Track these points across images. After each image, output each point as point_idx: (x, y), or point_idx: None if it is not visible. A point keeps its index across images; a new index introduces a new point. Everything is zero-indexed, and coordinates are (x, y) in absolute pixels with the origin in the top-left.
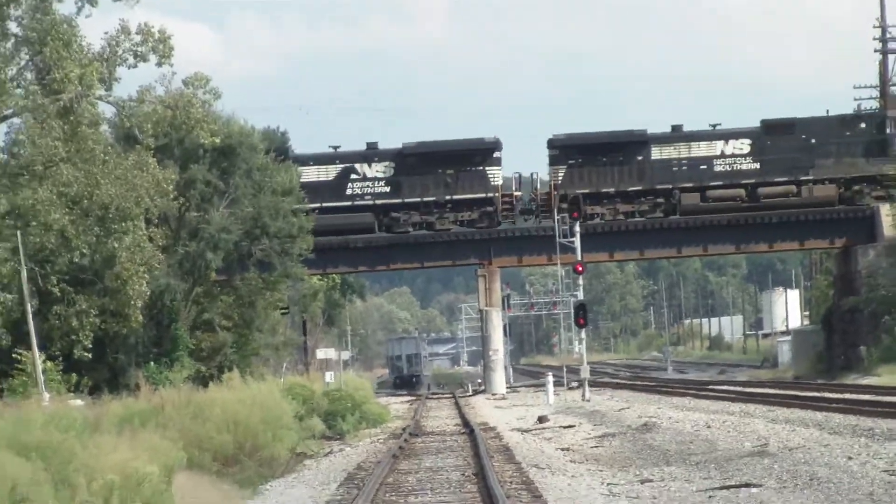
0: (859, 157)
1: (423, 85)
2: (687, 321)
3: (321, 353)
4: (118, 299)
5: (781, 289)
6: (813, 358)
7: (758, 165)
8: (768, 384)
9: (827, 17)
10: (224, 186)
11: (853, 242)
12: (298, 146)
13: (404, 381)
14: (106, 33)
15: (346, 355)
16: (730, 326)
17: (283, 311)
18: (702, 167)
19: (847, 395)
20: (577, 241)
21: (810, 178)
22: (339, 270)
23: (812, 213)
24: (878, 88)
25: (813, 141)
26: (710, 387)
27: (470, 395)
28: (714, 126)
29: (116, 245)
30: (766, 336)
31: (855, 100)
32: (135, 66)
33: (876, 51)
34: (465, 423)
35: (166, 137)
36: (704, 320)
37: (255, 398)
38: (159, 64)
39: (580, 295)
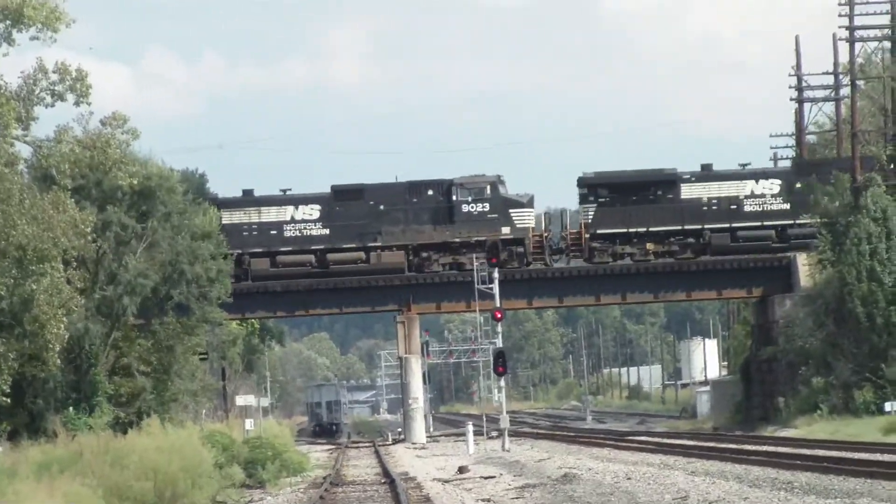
0: (426, 223)
1: (341, 124)
2: (606, 370)
3: (240, 400)
4: (36, 342)
5: (700, 338)
6: (731, 408)
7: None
8: (687, 435)
9: (746, 63)
10: (141, 230)
11: (770, 292)
12: (217, 188)
13: (324, 429)
14: (23, 72)
15: (265, 402)
16: (648, 376)
17: (201, 356)
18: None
19: (766, 447)
20: (495, 287)
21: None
22: (258, 315)
23: (729, 262)
24: (795, 137)
25: (381, 207)
26: (630, 437)
27: (390, 444)
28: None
29: (34, 287)
30: (684, 386)
31: (771, 148)
32: (52, 106)
33: (792, 99)
34: (386, 472)
35: (84, 178)
36: (623, 369)
37: (174, 445)
38: (77, 103)
39: (499, 342)
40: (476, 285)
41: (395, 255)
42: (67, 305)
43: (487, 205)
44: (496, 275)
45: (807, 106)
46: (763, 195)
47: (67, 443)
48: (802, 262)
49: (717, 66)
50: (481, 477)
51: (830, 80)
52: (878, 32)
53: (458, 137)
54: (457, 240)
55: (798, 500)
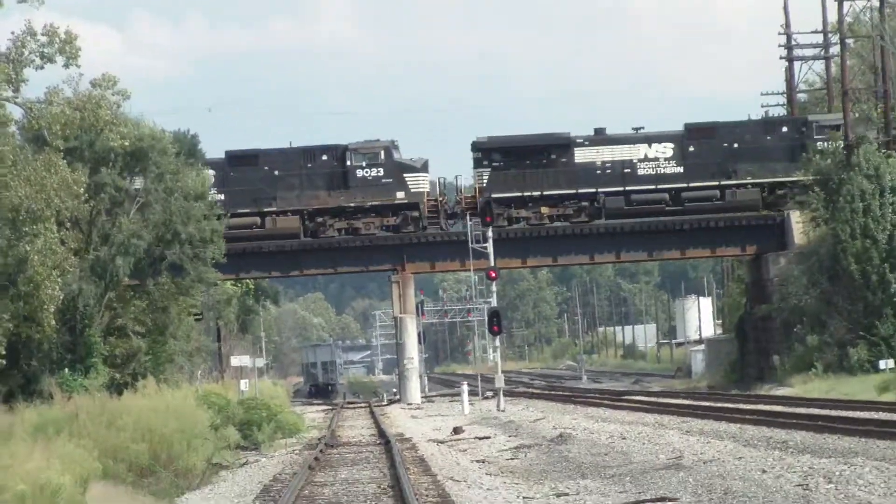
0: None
1: (334, 85)
2: (601, 329)
3: (236, 361)
4: (31, 304)
5: (694, 297)
6: (726, 367)
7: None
8: (682, 394)
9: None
10: (134, 191)
11: (764, 250)
12: (208, 148)
13: (320, 390)
14: (12, 34)
15: (260, 363)
16: (643, 335)
17: (196, 317)
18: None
19: (760, 406)
20: (489, 246)
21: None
22: (253, 276)
23: (724, 220)
24: (785, 95)
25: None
26: (625, 397)
27: (385, 405)
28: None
29: (28, 248)
30: (679, 345)
31: (762, 106)
32: (41, 68)
33: (781, 58)
34: (381, 433)
35: (76, 140)
36: (618, 328)
37: (169, 406)
38: (66, 65)
39: (494, 302)
40: (470, 244)
41: (289, 220)
42: (61, 266)
43: (381, 170)
44: (490, 234)
45: (797, 64)
46: (656, 158)
47: (63, 404)
48: (796, 219)
49: (706, 29)
50: (476, 437)
51: (820, 38)
52: None
53: (443, 99)
54: (351, 205)
55: (793, 459)
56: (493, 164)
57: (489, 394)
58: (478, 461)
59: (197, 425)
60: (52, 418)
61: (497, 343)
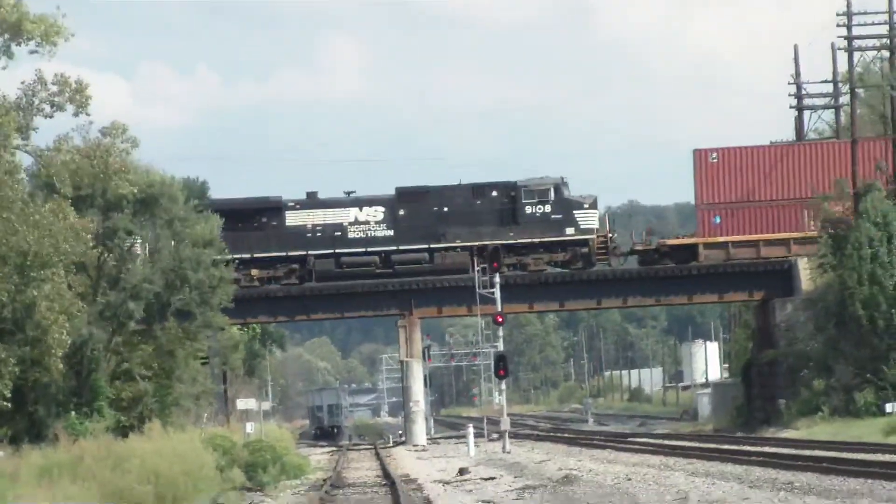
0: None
1: (343, 135)
2: (607, 373)
3: (241, 404)
4: (39, 348)
5: (701, 341)
6: (732, 410)
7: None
8: (688, 437)
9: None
10: (145, 237)
11: (771, 295)
12: (217, 196)
13: (325, 432)
14: (23, 83)
15: (266, 406)
16: (650, 378)
17: (203, 361)
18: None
19: (766, 448)
20: (496, 292)
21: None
22: (259, 320)
23: (730, 267)
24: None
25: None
26: (631, 439)
27: (391, 447)
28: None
29: (36, 293)
30: (685, 388)
31: None
32: (51, 116)
33: (791, 107)
34: (387, 474)
35: (89, 188)
36: (624, 372)
37: (175, 449)
38: (76, 114)
39: (500, 346)
40: (477, 289)
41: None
42: (69, 311)
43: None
44: (497, 279)
45: (806, 114)
46: (367, 222)
47: (69, 447)
48: (803, 265)
49: (715, 79)
50: (482, 478)
51: (830, 88)
52: (876, 42)
53: (455, 151)
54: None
55: (798, 500)
56: None
57: (495, 435)
58: (483, 501)
59: (202, 467)
60: (57, 461)
61: (503, 386)
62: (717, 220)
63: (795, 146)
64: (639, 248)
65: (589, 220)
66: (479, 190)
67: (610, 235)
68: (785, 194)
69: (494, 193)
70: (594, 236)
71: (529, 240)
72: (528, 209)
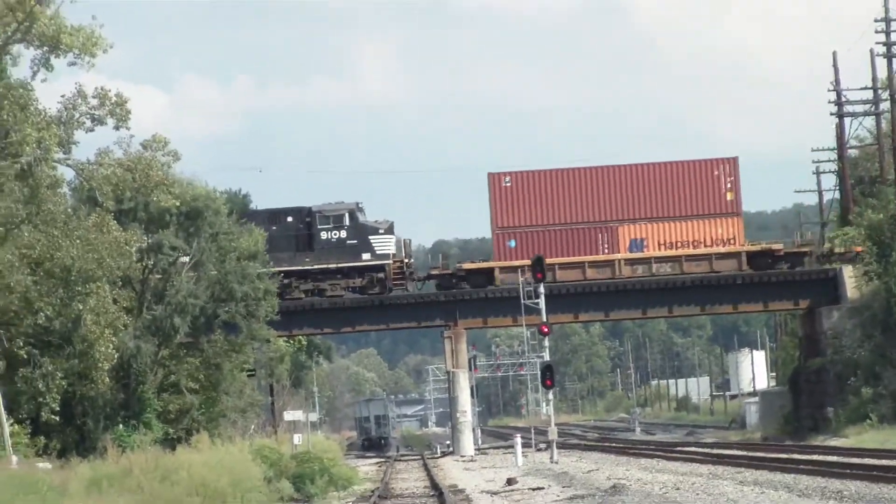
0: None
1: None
2: (654, 382)
3: (288, 415)
4: (85, 362)
5: (747, 350)
6: (781, 419)
7: None
8: (736, 445)
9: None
10: (190, 250)
11: (817, 304)
12: (260, 205)
13: (373, 443)
14: (63, 97)
15: (313, 417)
16: (696, 388)
17: (249, 373)
18: None
19: (815, 457)
20: (541, 302)
21: None
22: (305, 332)
23: (776, 276)
24: (836, 151)
25: None
26: (678, 448)
27: (438, 457)
28: None
29: (81, 307)
30: (733, 397)
31: (813, 162)
32: (92, 130)
33: (832, 114)
34: (434, 485)
35: (132, 201)
36: (671, 381)
37: (222, 461)
38: (117, 127)
39: (546, 356)
40: (522, 300)
41: None
42: (114, 325)
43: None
44: (542, 290)
45: (847, 120)
46: None
47: (117, 459)
48: (849, 273)
49: (749, 79)
50: (530, 488)
51: (870, 94)
52: None
53: (489, 155)
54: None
55: None
56: None
57: (542, 445)
58: None
59: (250, 479)
60: (105, 473)
61: (550, 396)
62: (513, 244)
63: (589, 170)
64: (435, 272)
65: (385, 245)
66: (275, 216)
67: (406, 261)
68: (579, 217)
69: (290, 219)
70: (390, 262)
71: (325, 265)
72: (324, 235)
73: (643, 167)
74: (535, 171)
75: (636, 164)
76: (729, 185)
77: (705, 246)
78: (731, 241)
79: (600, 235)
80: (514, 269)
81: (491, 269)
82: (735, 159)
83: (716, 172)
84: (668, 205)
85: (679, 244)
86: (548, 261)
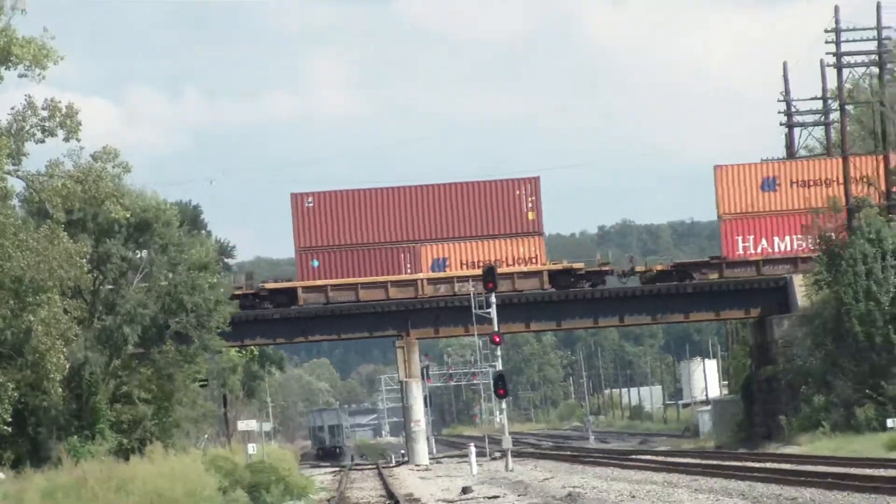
0: None
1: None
2: (606, 391)
3: (242, 425)
4: (37, 372)
5: (699, 358)
6: (734, 427)
7: None
8: (690, 454)
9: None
10: (139, 261)
11: (767, 313)
12: (210, 219)
13: (327, 453)
14: (13, 108)
15: (267, 427)
16: (649, 396)
17: (202, 383)
18: None
19: (769, 465)
20: (493, 311)
21: None
22: (257, 342)
23: (727, 284)
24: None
25: None
26: (633, 456)
27: (393, 466)
28: None
29: (32, 318)
30: (685, 406)
31: None
32: (42, 141)
33: (782, 124)
34: (390, 494)
35: (80, 212)
36: (624, 390)
37: (176, 471)
38: (67, 139)
39: (499, 365)
40: (474, 310)
41: None
42: (66, 335)
43: None
44: (493, 299)
45: (797, 130)
46: None
47: (71, 470)
48: (798, 282)
49: (703, 93)
50: (486, 497)
51: (820, 105)
52: (864, 58)
53: (443, 168)
54: None
55: None
56: None
57: (497, 454)
58: None
59: (205, 489)
60: (60, 484)
61: (503, 405)
62: (316, 264)
63: (391, 189)
64: (238, 292)
65: None
66: None
67: None
68: (382, 237)
69: None
70: None
71: None
72: None
73: (445, 187)
74: (338, 191)
75: (438, 183)
76: (530, 205)
77: (507, 265)
78: (533, 260)
79: (403, 255)
80: (318, 288)
81: (294, 289)
82: (537, 179)
83: (518, 192)
84: (470, 224)
85: (481, 263)
86: (350, 280)
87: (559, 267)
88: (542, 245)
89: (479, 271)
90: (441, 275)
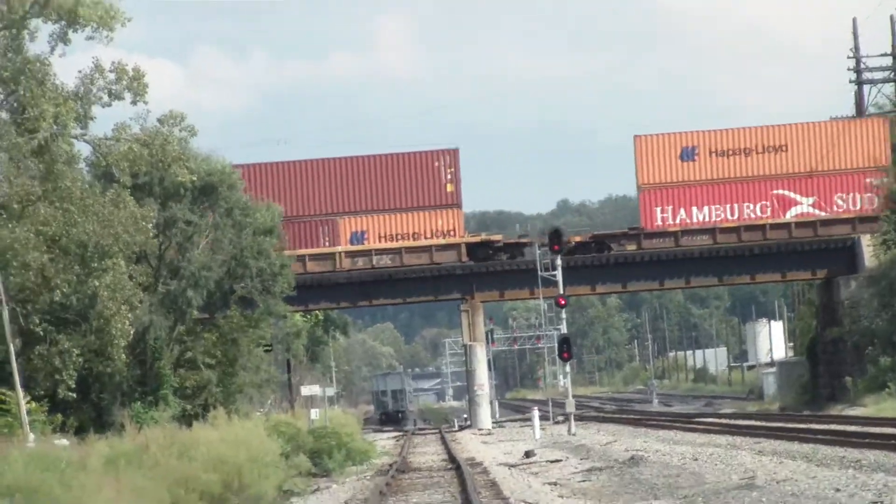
0: None
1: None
2: (671, 354)
3: (305, 390)
4: (101, 338)
5: (765, 320)
6: (798, 389)
7: None
8: (754, 416)
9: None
10: (205, 225)
11: (835, 273)
12: None
13: (390, 417)
14: (80, 72)
15: (330, 392)
16: (714, 359)
17: (266, 348)
18: None
19: (834, 426)
20: (559, 274)
21: None
22: (321, 307)
23: (794, 245)
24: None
25: None
26: (696, 419)
27: (456, 431)
28: None
29: (97, 283)
30: (750, 368)
31: None
32: (109, 105)
33: (851, 81)
34: (452, 458)
35: (146, 176)
36: (689, 353)
37: (239, 436)
38: (134, 102)
39: (563, 329)
40: (539, 272)
41: None
42: (131, 301)
43: None
44: (559, 262)
45: (866, 87)
46: None
47: (134, 436)
48: (866, 242)
49: (767, 50)
50: (548, 461)
51: (889, 61)
52: None
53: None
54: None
55: (866, 477)
56: None
57: (560, 418)
58: (549, 484)
59: (267, 454)
60: (123, 451)
61: (567, 368)
62: None
63: (309, 162)
64: None
65: None
66: None
67: None
68: (300, 210)
69: None
70: None
71: None
72: None
73: (363, 159)
74: (259, 163)
75: (357, 156)
76: (449, 177)
77: (425, 238)
78: (451, 233)
79: (321, 228)
80: None
81: None
82: (456, 151)
83: (436, 164)
84: (388, 197)
85: (399, 236)
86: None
87: (477, 239)
88: (460, 217)
89: (397, 244)
90: (359, 248)
